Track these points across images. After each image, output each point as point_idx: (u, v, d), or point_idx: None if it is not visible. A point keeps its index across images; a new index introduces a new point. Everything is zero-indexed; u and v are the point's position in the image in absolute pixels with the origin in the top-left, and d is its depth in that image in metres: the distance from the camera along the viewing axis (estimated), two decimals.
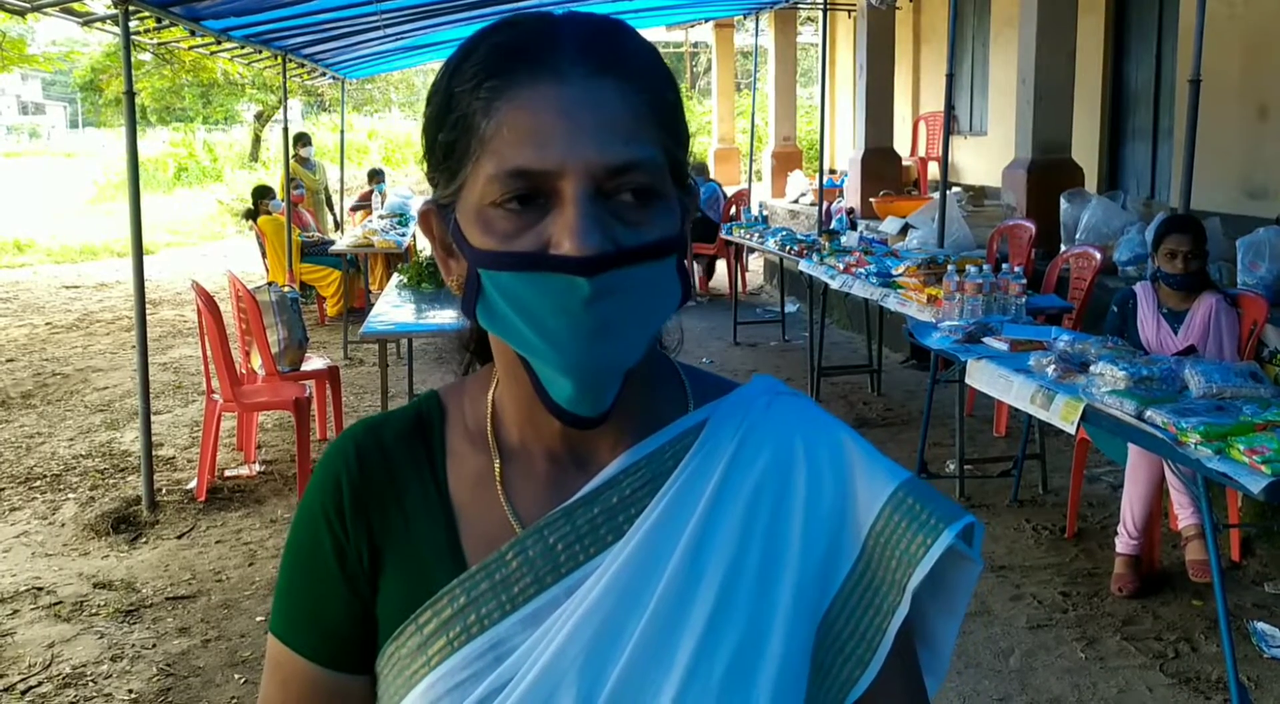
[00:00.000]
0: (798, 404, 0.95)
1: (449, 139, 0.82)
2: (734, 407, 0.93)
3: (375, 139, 28.30)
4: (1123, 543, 4.07)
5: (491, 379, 0.94)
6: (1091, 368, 3.56)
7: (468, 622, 0.85)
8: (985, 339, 4.31)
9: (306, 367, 5.94)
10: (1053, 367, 3.71)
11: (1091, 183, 9.02)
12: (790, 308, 9.66)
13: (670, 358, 0.98)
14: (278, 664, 0.93)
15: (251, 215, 10.24)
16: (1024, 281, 4.85)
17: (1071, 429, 3.52)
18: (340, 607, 0.90)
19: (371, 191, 13.11)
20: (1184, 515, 4.11)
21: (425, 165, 0.86)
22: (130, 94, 5.13)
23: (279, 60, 9.05)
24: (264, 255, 10.31)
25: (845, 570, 0.88)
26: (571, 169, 0.77)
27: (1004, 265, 5.11)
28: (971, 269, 4.85)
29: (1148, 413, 3.15)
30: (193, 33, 6.64)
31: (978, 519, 0.89)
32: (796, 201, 12.82)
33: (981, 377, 4.04)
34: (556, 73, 0.78)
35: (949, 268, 4.99)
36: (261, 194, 10.18)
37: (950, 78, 7.10)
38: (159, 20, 5.90)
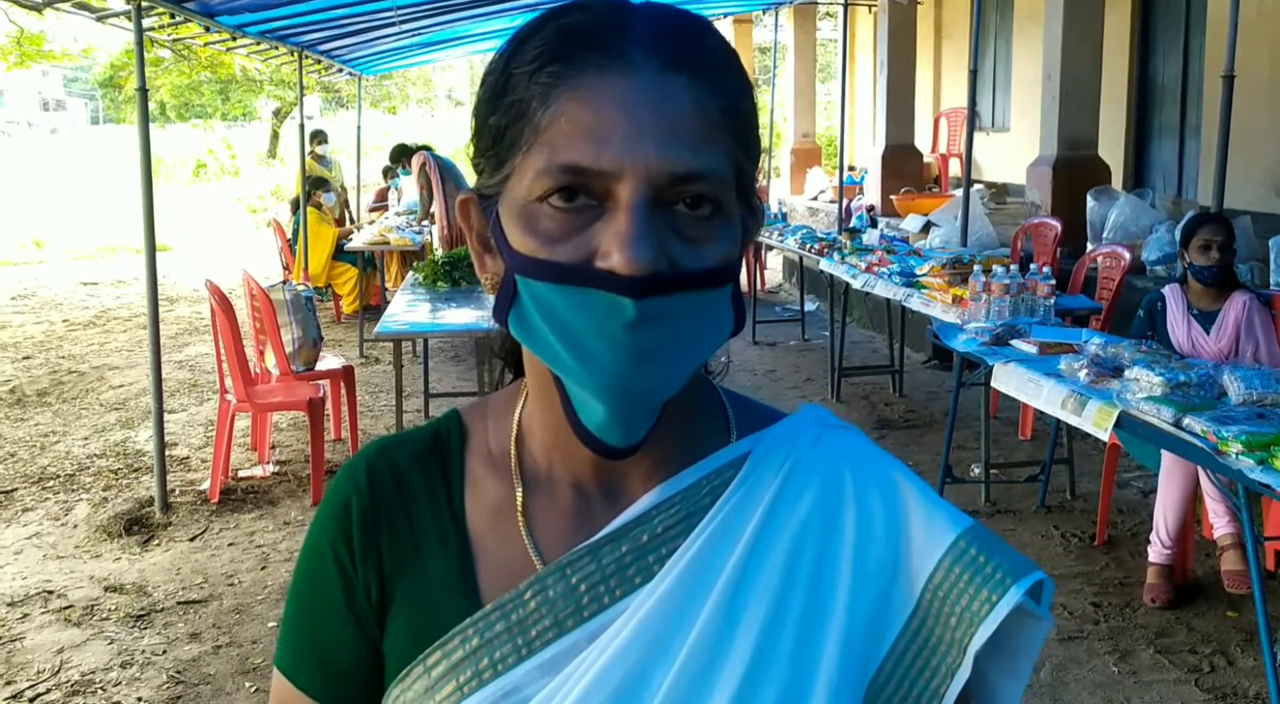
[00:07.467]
0: (848, 438, 0.86)
1: (500, 123, 0.74)
2: (779, 439, 0.84)
3: (390, 137, 28.28)
4: (1156, 552, 3.96)
5: (519, 397, 0.87)
6: (1126, 373, 3.45)
7: (479, 666, 0.78)
8: (1013, 341, 4.19)
9: (321, 366, 5.88)
10: (1085, 371, 3.59)
11: (1117, 180, 8.88)
12: (810, 306, 9.55)
13: (713, 383, 0.89)
14: (281, 700, 0.87)
15: (297, 206, 10.07)
16: (1053, 282, 4.73)
17: (1105, 436, 3.41)
18: (346, 644, 0.84)
19: (388, 188, 13.01)
20: (1219, 525, 3.99)
21: (471, 149, 0.79)
22: (143, 91, 5.06)
23: (295, 56, 8.99)
24: (280, 252, 10.25)
25: (898, 627, 0.79)
26: (630, 171, 0.69)
27: (1031, 265, 4.99)
28: (999, 269, 4.73)
29: (1186, 420, 3.04)
30: (207, 29, 6.58)
31: (1045, 573, 0.80)
32: (815, 199, 12.71)
33: (1009, 380, 3.93)
34: (626, 64, 0.71)
35: (975, 268, 4.88)
36: (316, 185, 10.00)
37: (974, 74, 6.98)
38: (172, 16, 5.84)
